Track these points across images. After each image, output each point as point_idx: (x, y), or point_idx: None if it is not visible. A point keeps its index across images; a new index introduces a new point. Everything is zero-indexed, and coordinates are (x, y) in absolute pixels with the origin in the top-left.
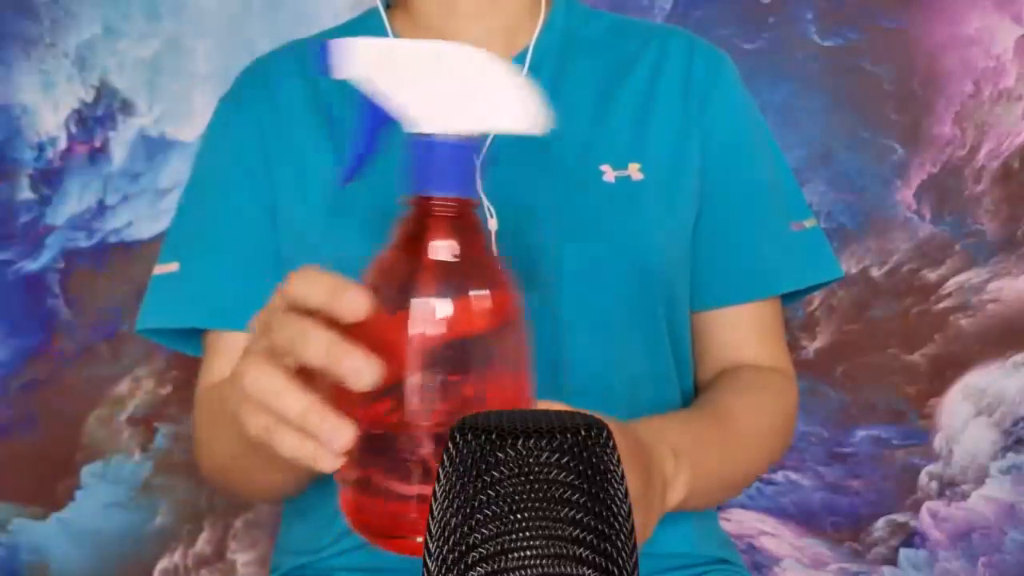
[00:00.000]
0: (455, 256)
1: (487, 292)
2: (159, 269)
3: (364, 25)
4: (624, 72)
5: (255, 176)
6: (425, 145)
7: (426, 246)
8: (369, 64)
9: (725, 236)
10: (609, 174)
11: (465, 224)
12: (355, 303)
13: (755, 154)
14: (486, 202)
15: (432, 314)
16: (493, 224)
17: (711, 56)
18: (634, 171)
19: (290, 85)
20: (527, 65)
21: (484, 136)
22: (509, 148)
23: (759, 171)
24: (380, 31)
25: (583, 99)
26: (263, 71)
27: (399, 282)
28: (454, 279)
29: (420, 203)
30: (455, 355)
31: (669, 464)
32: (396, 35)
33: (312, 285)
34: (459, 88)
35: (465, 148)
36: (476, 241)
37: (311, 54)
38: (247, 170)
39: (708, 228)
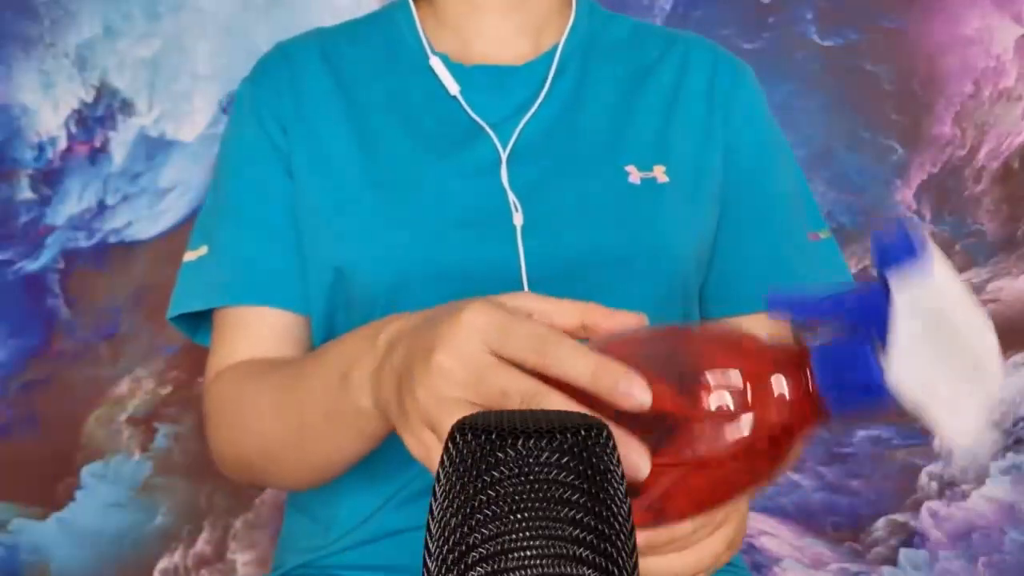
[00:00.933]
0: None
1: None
2: (188, 256)
3: (391, 17)
4: (647, 75)
5: (279, 147)
6: (876, 385)
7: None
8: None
9: (746, 244)
10: (635, 175)
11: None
12: (642, 396)
13: (776, 164)
14: (512, 196)
15: (722, 433)
16: (518, 219)
17: (734, 67)
18: (659, 173)
19: (312, 68)
20: (555, 65)
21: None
22: (536, 144)
23: (780, 181)
24: (408, 23)
25: (607, 100)
26: (285, 53)
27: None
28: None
29: (811, 389)
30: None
31: None
32: (422, 29)
33: (570, 359)
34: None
35: (887, 400)
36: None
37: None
38: (271, 142)
39: (728, 236)
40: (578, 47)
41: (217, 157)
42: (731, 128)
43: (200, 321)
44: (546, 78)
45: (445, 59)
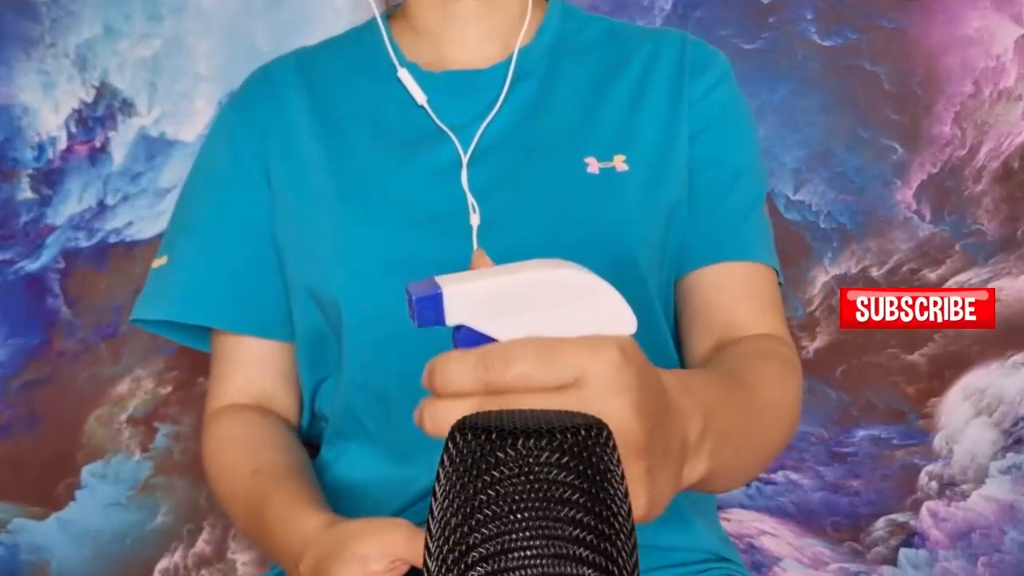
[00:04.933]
0: None
1: None
2: (155, 263)
3: (367, 32)
4: (615, 72)
5: (251, 179)
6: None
7: None
8: (469, 310)
9: (708, 205)
10: (593, 166)
11: None
12: None
13: (739, 138)
14: (471, 199)
15: None
16: (475, 219)
17: (703, 50)
18: (619, 162)
19: (291, 86)
20: (512, 67)
21: None
22: (497, 146)
23: (742, 155)
24: (379, 40)
25: (572, 98)
26: (268, 77)
27: None
28: None
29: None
30: None
31: (695, 427)
32: (395, 44)
33: None
34: (551, 312)
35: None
36: None
37: (415, 307)
38: (244, 172)
39: (693, 200)
40: (545, 49)
41: (191, 170)
42: (694, 93)
43: (170, 323)
44: (507, 80)
45: (416, 68)
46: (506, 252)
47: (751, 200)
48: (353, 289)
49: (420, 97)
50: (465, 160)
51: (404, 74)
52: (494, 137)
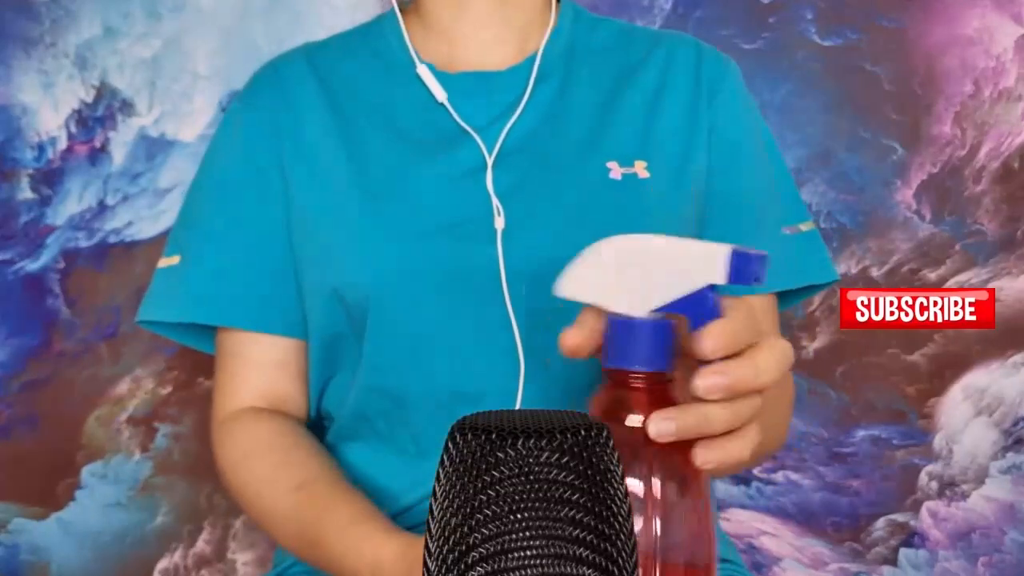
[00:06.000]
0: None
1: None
2: (163, 262)
3: (379, 28)
4: (631, 75)
5: (266, 177)
6: (624, 325)
7: (624, 416)
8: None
9: (717, 234)
10: (616, 171)
11: (658, 396)
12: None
13: (752, 157)
14: (495, 201)
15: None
16: (500, 223)
17: (718, 60)
18: (640, 169)
19: (303, 84)
20: (535, 70)
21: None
22: (521, 147)
23: (754, 174)
24: (396, 34)
25: (590, 100)
26: (278, 73)
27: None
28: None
29: (619, 376)
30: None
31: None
32: (409, 38)
33: None
34: (649, 271)
35: (658, 327)
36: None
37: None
38: (257, 170)
39: (704, 228)
40: (561, 51)
41: (200, 165)
42: (713, 115)
43: (176, 325)
44: (529, 82)
45: (431, 68)
46: (530, 255)
47: (769, 219)
48: (381, 293)
49: (440, 94)
50: (490, 162)
51: (424, 71)
52: (517, 140)
